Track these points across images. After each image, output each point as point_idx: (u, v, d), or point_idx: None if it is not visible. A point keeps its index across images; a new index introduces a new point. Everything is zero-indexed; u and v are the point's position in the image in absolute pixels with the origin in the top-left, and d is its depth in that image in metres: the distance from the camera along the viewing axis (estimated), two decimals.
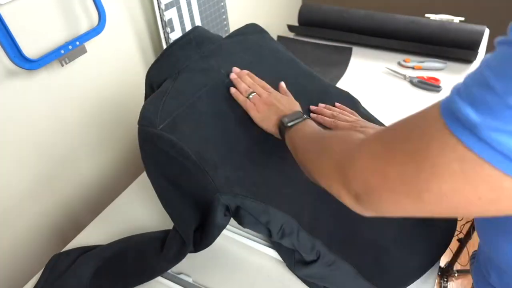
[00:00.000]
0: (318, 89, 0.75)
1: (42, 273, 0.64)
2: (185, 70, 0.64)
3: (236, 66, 0.68)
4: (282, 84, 0.68)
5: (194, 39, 0.67)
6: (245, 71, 0.67)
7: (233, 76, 0.66)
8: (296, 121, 0.56)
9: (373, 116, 0.76)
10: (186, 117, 0.58)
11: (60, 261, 0.65)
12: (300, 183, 0.60)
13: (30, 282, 0.64)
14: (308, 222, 0.58)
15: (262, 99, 0.63)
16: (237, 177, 0.56)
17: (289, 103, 0.63)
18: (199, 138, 0.57)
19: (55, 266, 0.64)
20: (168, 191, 0.58)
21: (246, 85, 0.65)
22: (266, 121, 0.61)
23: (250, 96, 0.63)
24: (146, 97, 0.68)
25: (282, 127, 0.57)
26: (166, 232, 0.61)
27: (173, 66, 0.64)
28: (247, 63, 0.70)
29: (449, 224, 0.62)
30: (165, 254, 0.57)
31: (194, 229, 0.56)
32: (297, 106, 0.63)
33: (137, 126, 0.58)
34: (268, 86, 0.66)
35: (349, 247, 0.58)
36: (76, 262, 0.63)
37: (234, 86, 0.65)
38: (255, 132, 0.62)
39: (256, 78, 0.67)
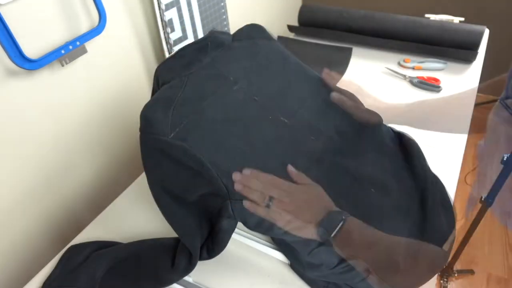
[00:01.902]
0: (326, 94, 0.75)
1: (57, 264, 0.64)
2: (194, 76, 0.64)
3: (244, 72, 0.67)
4: (291, 168, 0.56)
5: (211, 43, 0.67)
6: (247, 171, 0.54)
7: (238, 187, 0.53)
8: (338, 227, 0.49)
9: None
10: (196, 125, 0.58)
11: (75, 254, 0.65)
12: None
13: (42, 272, 0.64)
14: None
15: (284, 205, 0.53)
16: None
17: (311, 198, 0.53)
18: (211, 146, 0.57)
19: (69, 259, 0.65)
20: (172, 205, 0.58)
21: (258, 191, 0.53)
22: (302, 231, 0.52)
23: (270, 204, 0.53)
24: (153, 91, 0.68)
25: (325, 238, 0.50)
26: (178, 240, 0.62)
27: (183, 67, 0.64)
28: (255, 69, 0.70)
29: (449, 224, 0.62)
30: (175, 268, 0.58)
31: (201, 241, 0.56)
32: (320, 199, 0.53)
33: (140, 133, 0.57)
34: (278, 180, 0.55)
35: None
36: (90, 258, 0.63)
37: (240, 93, 0.63)
38: (266, 138, 0.62)
39: (261, 174, 0.54)
